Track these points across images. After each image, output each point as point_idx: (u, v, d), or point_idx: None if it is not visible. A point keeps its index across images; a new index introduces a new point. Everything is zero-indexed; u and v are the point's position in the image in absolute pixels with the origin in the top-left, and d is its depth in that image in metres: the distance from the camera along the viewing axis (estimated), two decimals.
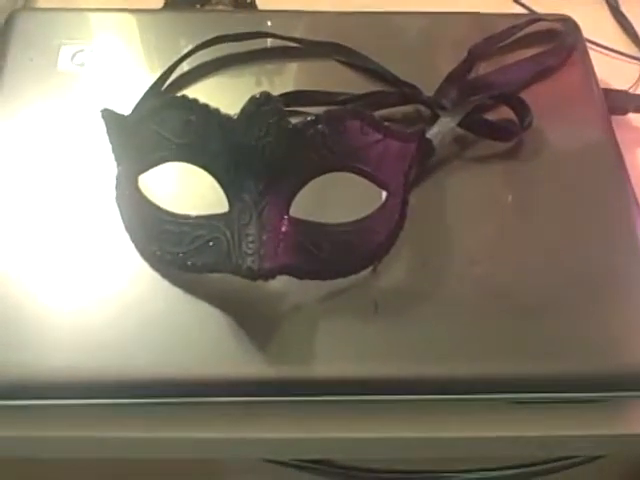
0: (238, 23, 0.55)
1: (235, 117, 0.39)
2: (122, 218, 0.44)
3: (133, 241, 0.44)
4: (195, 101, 0.39)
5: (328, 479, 0.51)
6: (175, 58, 0.52)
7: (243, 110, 0.39)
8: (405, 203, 0.44)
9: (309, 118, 0.39)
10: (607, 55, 0.60)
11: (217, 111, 0.39)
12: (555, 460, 0.49)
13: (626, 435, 0.43)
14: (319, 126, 0.39)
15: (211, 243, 0.40)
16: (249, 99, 0.39)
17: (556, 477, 0.52)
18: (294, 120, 0.40)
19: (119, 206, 0.44)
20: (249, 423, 0.42)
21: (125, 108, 0.47)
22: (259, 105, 0.39)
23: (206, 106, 0.39)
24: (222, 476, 0.55)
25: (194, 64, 0.53)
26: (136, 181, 0.43)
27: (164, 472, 0.53)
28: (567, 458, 0.49)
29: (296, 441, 0.43)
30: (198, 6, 0.60)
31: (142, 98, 0.49)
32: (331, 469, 0.50)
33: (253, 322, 0.41)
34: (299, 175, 0.40)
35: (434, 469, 0.52)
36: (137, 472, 0.54)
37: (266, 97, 0.39)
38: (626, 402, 0.43)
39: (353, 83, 0.52)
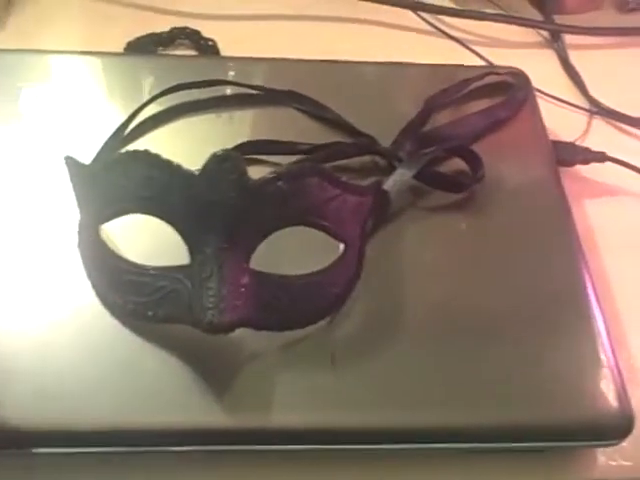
0: (200, 68, 0.57)
1: (197, 173, 0.40)
2: (84, 265, 0.45)
3: (94, 288, 0.44)
4: (157, 156, 0.40)
5: None
6: (137, 102, 0.53)
7: (205, 167, 0.40)
8: (362, 255, 0.45)
9: (269, 175, 0.40)
10: (556, 105, 0.63)
11: (179, 167, 0.40)
12: None
13: None
14: (279, 183, 0.41)
15: (172, 295, 0.41)
16: (210, 156, 0.40)
17: None
18: (255, 174, 0.41)
19: (81, 253, 0.45)
20: (206, 472, 0.42)
21: (87, 153, 0.48)
22: (220, 162, 0.40)
23: (168, 162, 0.40)
24: None
25: (155, 110, 0.53)
26: (98, 230, 0.44)
27: None
28: None
29: None
30: (161, 49, 0.61)
31: (104, 145, 0.50)
32: None
33: (211, 371, 0.42)
34: (259, 229, 0.41)
35: None
36: None
37: (227, 155, 0.40)
38: (567, 452, 0.45)
39: (311, 131, 0.53)
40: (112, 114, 0.53)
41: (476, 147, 0.52)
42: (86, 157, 0.46)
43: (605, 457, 0.44)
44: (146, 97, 0.54)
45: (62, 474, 0.42)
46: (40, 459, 0.41)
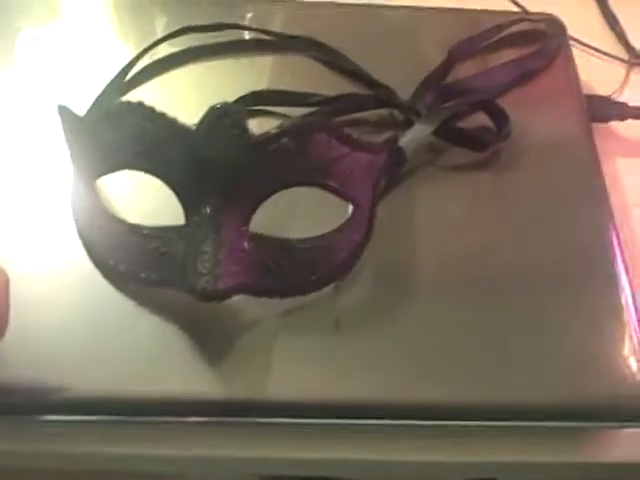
0: (214, 10, 0.53)
1: (194, 128, 0.37)
2: (75, 222, 0.42)
3: (85, 248, 0.42)
4: (151, 109, 0.37)
5: None
6: (142, 44, 0.50)
7: (202, 121, 0.37)
8: (372, 217, 0.42)
9: (273, 131, 0.37)
10: (592, 55, 0.58)
11: (175, 121, 0.37)
12: None
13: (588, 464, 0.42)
14: (284, 140, 0.37)
15: (165, 257, 0.38)
16: (208, 110, 0.36)
17: None
18: (261, 126, 0.38)
19: (73, 208, 0.43)
20: (201, 443, 0.40)
21: (86, 100, 0.45)
22: (219, 117, 0.36)
23: (163, 115, 0.37)
24: None
25: (160, 55, 0.50)
26: (91, 185, 0.41)
27: None
28: None
29: (247, 460, 0.41)
30: None
31: (101, 93, 0.47)
32: None
33: (207, 339, 0.39)
34: (260, 190, 0.38)
35: None
36: None
37: (226, 109, 0.36)
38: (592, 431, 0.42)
39: (326, 81, 0.50)
40: (118, 58, 0.50)
41: (503, 101, 0.48)
42: (84, 106, 0.43)
43: None
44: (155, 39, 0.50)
45: (56, 441, 0.40)
46: (36, 426, 0.39)
